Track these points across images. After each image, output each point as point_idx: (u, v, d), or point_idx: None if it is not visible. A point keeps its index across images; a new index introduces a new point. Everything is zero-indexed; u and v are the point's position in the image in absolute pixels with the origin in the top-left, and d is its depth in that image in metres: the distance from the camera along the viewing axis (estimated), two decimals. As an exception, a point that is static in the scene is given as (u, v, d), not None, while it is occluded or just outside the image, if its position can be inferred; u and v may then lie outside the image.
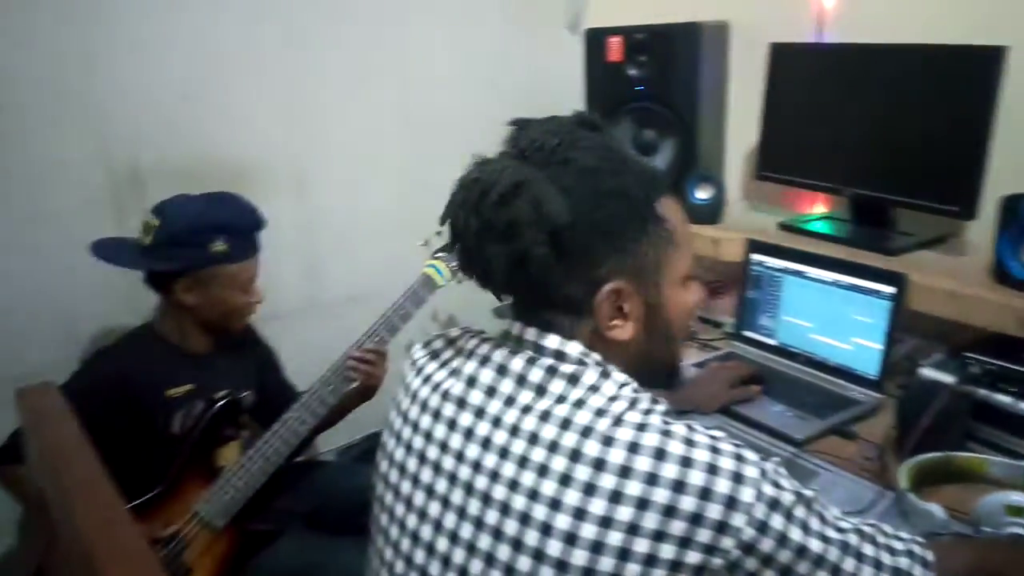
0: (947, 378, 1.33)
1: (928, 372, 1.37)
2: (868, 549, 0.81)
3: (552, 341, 0.84)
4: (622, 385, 0.81)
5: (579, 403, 0.79)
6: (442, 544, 0.82)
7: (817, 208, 1.98)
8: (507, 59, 2.35)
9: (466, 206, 0.81)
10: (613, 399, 0.79)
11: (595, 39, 2.08)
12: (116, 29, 1.74)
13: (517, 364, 0.84)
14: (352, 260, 2.20)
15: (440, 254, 1.86)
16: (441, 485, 0.84)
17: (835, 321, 1.60)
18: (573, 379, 0.81)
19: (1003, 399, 1.30)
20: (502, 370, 0.84)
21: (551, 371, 0.82)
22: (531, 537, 0.75)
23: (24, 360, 1.74)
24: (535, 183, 0.79)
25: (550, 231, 0.78)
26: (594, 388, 0.80)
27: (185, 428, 1.59)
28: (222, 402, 1.60)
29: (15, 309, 1.72)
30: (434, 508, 0.84)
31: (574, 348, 0.83)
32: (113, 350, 1.60)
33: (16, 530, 1.79)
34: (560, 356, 0.83)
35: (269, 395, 1.79)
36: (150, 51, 1.79)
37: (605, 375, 0.82)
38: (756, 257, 1.75)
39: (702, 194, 1.94)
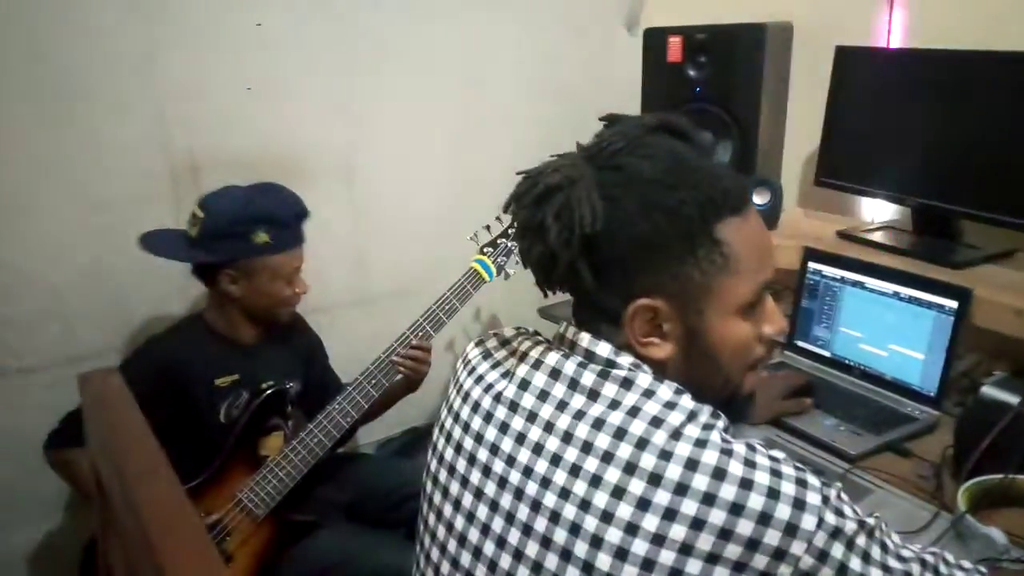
0: (1011, 398, 1.28)
1: (990, 391, 1.32)
2: None
3: (604, 349, 0.82)
4: (678, 391, 0.79)
5: (634, 411, 0.77)
6: (489, 548, 0.82)
7: (878, 217, 1.93)
8: (563, 58, 2.33)
9: (516, 199, 0.84)
10: (670, 406, 0.77)
11: (655, 39, 2.06)
12: (178, 23, 1.78)
13: (570, 368, 0.82)
14: (400, 255, 2.22)
15: (488, 249, 1.86)
16: (490, 489, 0.83)
17: (893, 334, 1.56)
18: (627, 383, 0.79)
19: (1070, 423, 1.25)
20: (555, 374, 0.83)
21: (603, 375, 0.80)
22: (580, 548, 0.74)
23: (79, 341, 1.79)
24: (577, 187, 0.78)
25: (581, 237, 0.78)
26: (649, 392, 0.78)
27: (231, 417, 1.62)
28: (268, 392, 1.62)
29: (74, 290, 1.77)
30: (482, 511, 0.83)
31: (625, 359, 0.81)
32: (164, 338, 1.64)
33: (63, 509, 1.84)
34: (611, 364, 0.81)
35: (314, 385, 1.81)
36: (210, 44, 1.83)
37: (659, 380, 0.80)
38: (813, 266, 1.71)
39: (758, 199, 1.91)
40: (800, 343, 1.74)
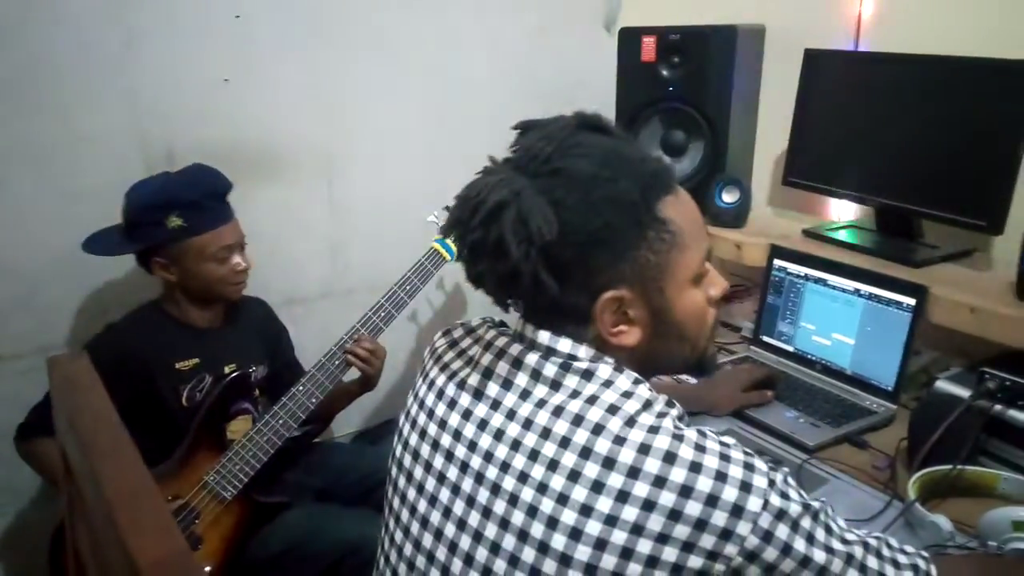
0: (962, 392, 1.33)
1: (943, 385, 1.37)
2: (872, 562, 0.82)
3: (564, 345, 0.84)
4: (636, 381, 0.82)
5: (592, 399, 0.80)
6: (450, 530, 0.84)
7: (843, 216, 1.97)
8: (541, 56, 2.35)
9: (460, 224, 0.82)
10: (627, 395, 0.80)
11: (629, 38, 2.08)
12: (155, 11, 1.78)
13: (532, 359, 0.85)
14: (376, 249, 2.23)
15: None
16: (453, 473, 0.86)
17: (854, 330, 1.60)
18: (587, 374, 0.82)
19: (1018, 415, 1.29)
20: (517, 364, 0.86)
21: (565, 367, 0.83)
22: (537, 529, 0.77)
23: (53, 331, 1.80)
24: (523, 198, 0.78)
25: (539, 247, 0.78)
26: (608, 383, 0.81)
27: (193, 401, 1.63)
28: (232, 376, 1.63)
29: (48, 280, 1.77)
30: (445, 495, 0.86)
31: (586, 352, 0.84)
32: (121, 325, 1.65)
33: (35, 497, 1.85)
34: (572, 358, 0.84)
35: (278, 372, 1.82)
36: (188, 35, 1.83)
37: (619, 370, 0.83)
38: (778, 263, 1.76)
39: (728, 197, 1.94)
40: (765, 338, 1.78)
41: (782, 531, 0.75)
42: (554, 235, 0.78)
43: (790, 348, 1.73)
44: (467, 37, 2.23)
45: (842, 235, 1.80)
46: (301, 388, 1.66)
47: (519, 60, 2.32)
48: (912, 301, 1.51)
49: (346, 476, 1.81)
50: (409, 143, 2.22)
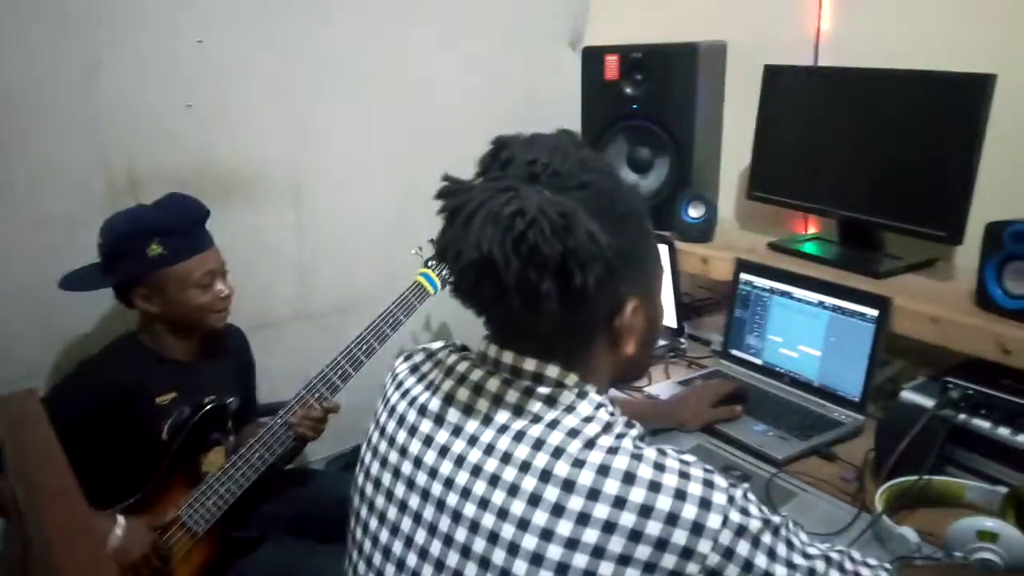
0: (927, 402, 1.34)
1: (908, 395, 1.38)
2: None
3: (530, 364, 0.84)
4: (598, 406, 0.82)
5: (553, 423, 0.80)
6: (412, 560, 0.83)
7: (808, 229, 1.99)
8: (506, 74, 2.37)
9: (506, 241, 0.75)
10: (588, 420, 0.80)
11: (592, 57, 2.10)
12: (117, 37, 1.77)
13: (493, 385, 0.85)
14: (346, 270, 2.22)
15: (432, 262, 1.88)
16: (414, 501, 0.85)
17: (820, 342, 1.62)
18: (550, 400, 0.82)
19: (982, 424, 1.30)
20: (478, 389, 0.85)
21: (528, 392, 0.83)
22: (498, 556, 0.76)
23: (15, 361, 1.76)
24: (578, 212, 0.76)
25: (604, 261, 0.78)
26: (570, 408, 0.81)
27: (172, 433, 1.61)
28: (207, 407, 1.61)
29: (9, 309, 1.74)
30: (406, 524, 0.85)
31: (552, 371, 0.84)
32: (100, 360, 1.61)
33: None
34: (538, 379, 0.84)
35: (241, 404, 1.80)
36: (150, 60, 1.82)
37: (582, 395, 0.83)
38: (745, 276, 1.77)
39: (694, 212, 1.96)
40: (734, 351, 1.79)
41: (743, 548, 0.75)
42: (616, 249, 0.79)
43: (758, 361, 1.74)
44: (432, 57, 2.24)
45: (806, 248, 1.81)
46: (280, 421, 1.64)
47: (485, 79, 2.33)
48: (875, 312, 1.52)
49: (321, 505, 1.79)
50: (376, 164, 2.22)
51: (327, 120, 2.11)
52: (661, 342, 1.90)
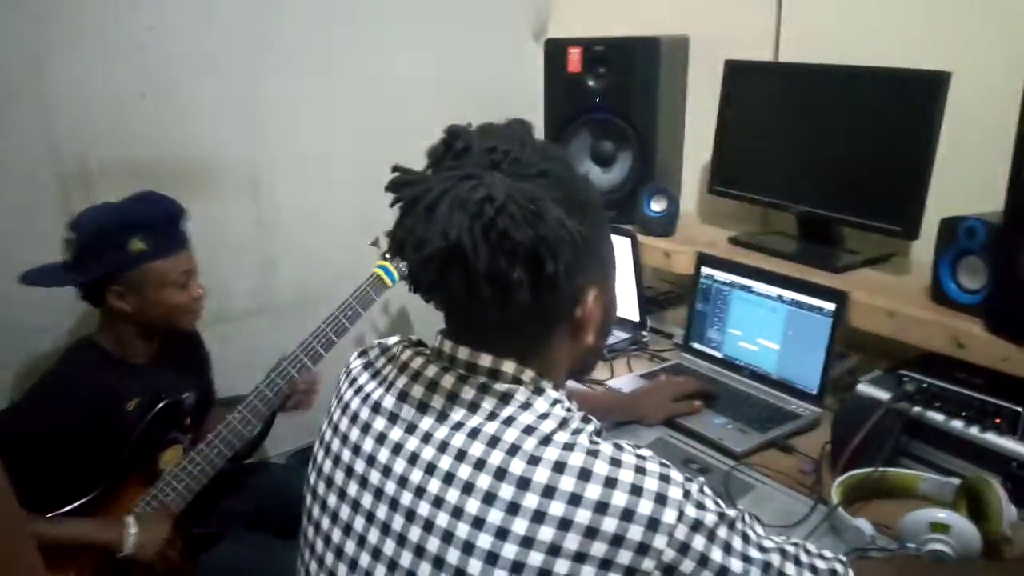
0: (883, 395, 1.36)
1: (864, 388, 1.40)
2: (791, 569, 0.82)
3: (485, 360, 0.83)
4: (554, 402, 0.82)
5: (509, 420, 0.79)
6: (364, 560, 0.82)
7: (769, 224, 2.01)
8: (469, 66, 2.35)
9: (474, 227, 0.74)
10: (543, 416, 0.79)
11: (555, 49, 2.09)
12: (66, 25, 1.72)
13: (448, 381, 0.84)
14: (306, 263, 2.20)
15: (389, 255, 1.86)
16: (367, 500, 0.84)
17: (778, 335, 1.63)
18: (506, 397, 0.81)
19: (936, 417, 1.32)
20: (433, 386, 0.84)
21: (483, 388, 0.82)
22: (452, 555, 0.75)
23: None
24: (546, 199, 0.76)
25: (573, 248, 0.77)
26: (526, 405, 0.81)
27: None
28: (160, 405, 1.58)
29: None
30: (359, 523, 0.84)
31: (508, 366, 0.83)
32: (69, 373, 1.55)
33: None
34: (494, 375, 0.83)
35: (199, 399, 1.78)
36: (101, 48, 1.77)
37: (538, 391, 0.82)
38: (705, 270, 1.78)
39: (656, 206, 1.96)
40: (695, 344, 1.80)
41: (698, 542, 0.75)
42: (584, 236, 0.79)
43: (719, 354, 1.75)
44: (395, 48, 2.22)
45: (767, 242, 1.82)
46: (237, 416, 1.62)
47: (448, 71, 2.31)
48: (832, 306, 1.54)
49: (281, 498, 1.77)
50: (336, 155, 2.19)
51: (287, 111, 2.08)
52: (623, 335, 1.91)
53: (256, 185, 2.08)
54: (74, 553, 1.42)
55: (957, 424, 1.30)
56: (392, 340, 0.96)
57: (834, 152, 1.68)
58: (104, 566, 1.44)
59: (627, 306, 1.93)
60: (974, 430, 1.27)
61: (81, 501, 1.48)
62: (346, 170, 2.20)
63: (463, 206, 0.74)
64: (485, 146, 0.80)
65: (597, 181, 2.10)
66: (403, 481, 0.81)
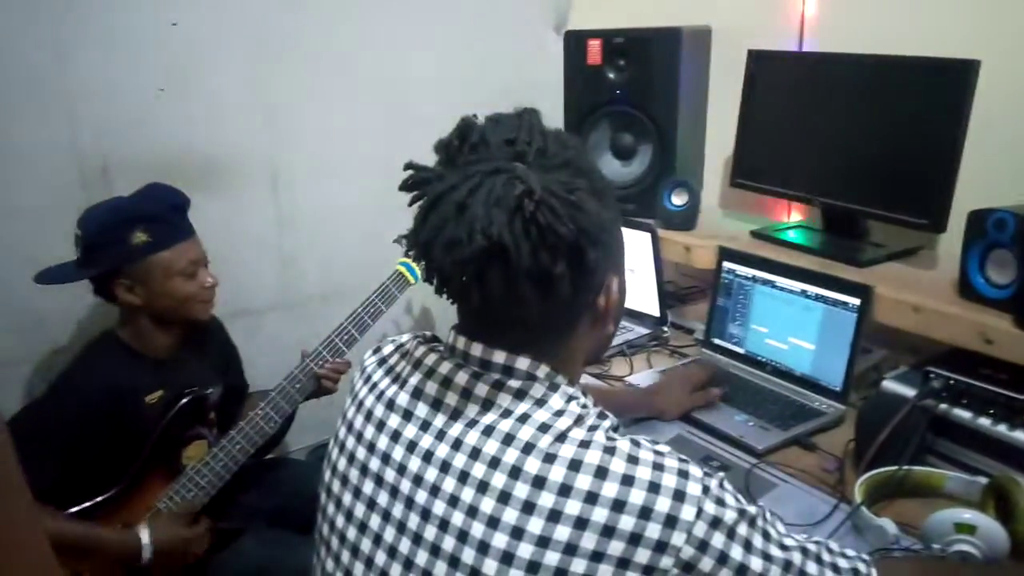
0: (908, 391, 1.33)
1: (890, 385, 1.37)
2: (812, 568, 0.80)
3: (499, 356, 0.82)
4: (570, 398, 0.80)
5: (524, 417, 0.78)
6: (380, 558, 0.82)
7: (792, 217, 1.98)
8: (490, 59, 2.33)
9: (514, 223, 0.72)
10: (559, 413, 0.78)
11: (575, 41, 2.08)
12: (88, 22, 1.73)
13: (462, 378, 0.83)
14: (327, 258, 2.20)
15: (413, 257, 1.85)
16: (382, 498, 0.83)
17: (802, 331, 1.60)
18: (520, 393, 0.80)
19: (962, 414, 1.29)
20: (447, 383, 0.83)
21: (498, 385, 0.81)
22: (468, 555, 0.75)
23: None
24: (582, 190, 0.76)
25: (607, 237, 0.79)
26: (541, 402, 0.80)
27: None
28: (184, 400, 1.59)
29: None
30: (374, 521, 0.83)
31: (522, 363, 0.82)
32: (86, 368, 1.57)
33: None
34: (508, 371, 0.82)
35: (227, 391, 1.78)
36: (123, 45, 1.78)
37: (553, 388, 0.81)
38: (727, 265, 1.75)
39: (677, 200, 1.94)
40: (716, 340, 1.77)
41: (717, 539, 0.74)
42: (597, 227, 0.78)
43: (740, 350, 1.72)
44: (414, 41, 2.21)
45: (790, 236, 1.80)
46: (260, 412, 1.63)
47: (468, 63, 2.30)
48: (857, 301, 1.51)
49: (301, 494, 1.77)
50: (357, 150, 2.18)
51: (306, 107, 2.08)
52: (643, 331, 1.89)
53: (276, 181, 2.09)
54: (89, 553, 1.43)
55: (984, 421, 1.27)
56: (406, 336, 0.95)
57: (859, 143, 1.64)
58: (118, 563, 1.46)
59: (648, 301, 1.91)
60: (1002, 428, 1.25)
61: (104, 496, 1.49)
62: (366, 166, 2.20)
63: (499, 202, 0.72)
64: (503, 138, 0.79)
65: (617, 174, 2.09)
66: (418, 479, 0.80)
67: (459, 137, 0.80)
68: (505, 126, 0.80)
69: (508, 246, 0.72)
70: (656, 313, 1.91)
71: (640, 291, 1.92)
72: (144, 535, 1.45)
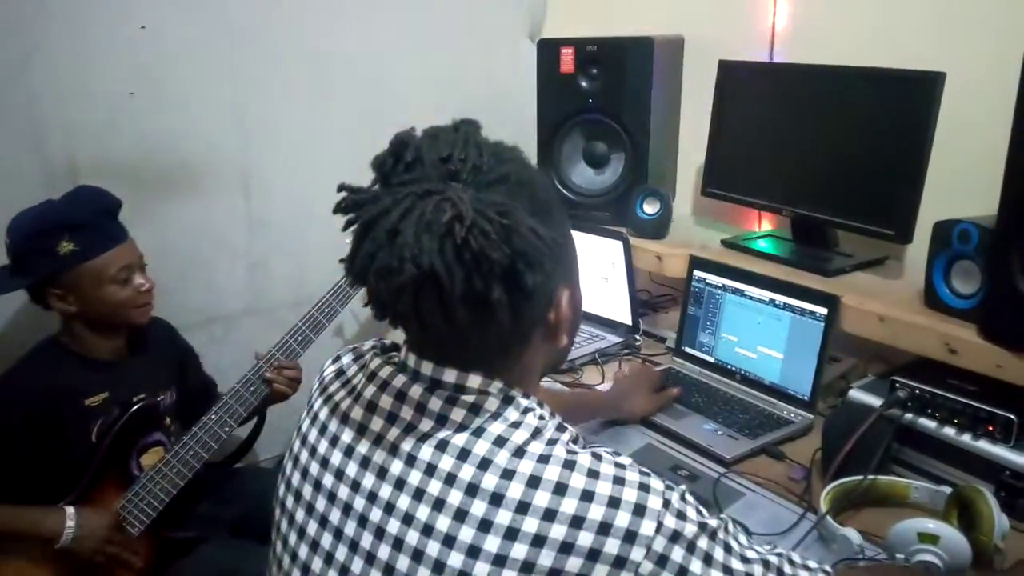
0: (874, 401, 1.34)
1: (856, 394, 1.38)
2: None
3: (450, 376, 0.79)
4: (526, 410, 0.79)
5: (479, 431, 0.76)
6: None
7: (763, 226, 1.99)
8: (465, 66, 2.33)
9: (445, 250, 0.69)
10: (515, 425, 0.77)
11: (548, 49, 2.07)
12: (55, 24, 1.70)
13: (416, 392, 0.81)
14: (297, 264, 2.18)
15: (350, 283, 1.84)
16: (335, 516, 0.81)
17: (771, 340, 1.61)
18: (475, 407, 0.78)
19: (928, 424, 1.31)
20: (401, 396, 0.81)
21: (451, 400, 0.79)
22: (423, 574, 0.73)
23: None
24: (516, 209, 0.72)
25: (548, 256, 0.74)
26: (496, 415, 0.78)
27: (100, 435, 1.55)
28: (137, 406, 1.56)
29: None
30: (326, 540, 0.81)
31: (474, 380, 0.79)
32: (24, 369, 1.54)
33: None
34: (459, 389, 0.79)
35: (189, 393, 1.76)
36: (90, 47, 1.75)
37: (508, 400, 0.79)
38: (698, 274, 1.76)
39: (649, 209, 1.94)
40: (687, 349, 1.78)
41: (677, 553, 0.73)
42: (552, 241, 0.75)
43: (710, 359, 1.73)
44: (389, 47, 2.20)
45: (760, 245, 1.80)
46: (214, 416, 1.60)
47: (443, 70, 2.29)
48: (824, 311, 1.52)
49: (265, 504, 1.74)
50: (329, 155, 2.16)
51: (279, 111, 2.06)
52: (615, 339, 1.89)
53: (247, 186, 2.06)
54: (24, 544, 1.41)
55: (949, 431, 1.28)
56: (367, 345, 0.93)
57: (827, 154, 1.66)
58: (62, 558, 1.44)
59: (620, 309, 1.91)
60: (966, 437, 1.26)
61: (57, 505, 1.47)
62: (338, 170, 2.14)
63: (429, 227, 0.69)
64: (437, 156, 0.75)
65: (590, 183, 2.09)
66: (372, 496, 0.79)
67: (393, 155, 0.78)
68: (442, 141, 0.77)
69: (440, 273, 0.69)
70: (628, 321, 1.91)
71: (612, 299, 1.91)
72: (71, 516, 1.42)
